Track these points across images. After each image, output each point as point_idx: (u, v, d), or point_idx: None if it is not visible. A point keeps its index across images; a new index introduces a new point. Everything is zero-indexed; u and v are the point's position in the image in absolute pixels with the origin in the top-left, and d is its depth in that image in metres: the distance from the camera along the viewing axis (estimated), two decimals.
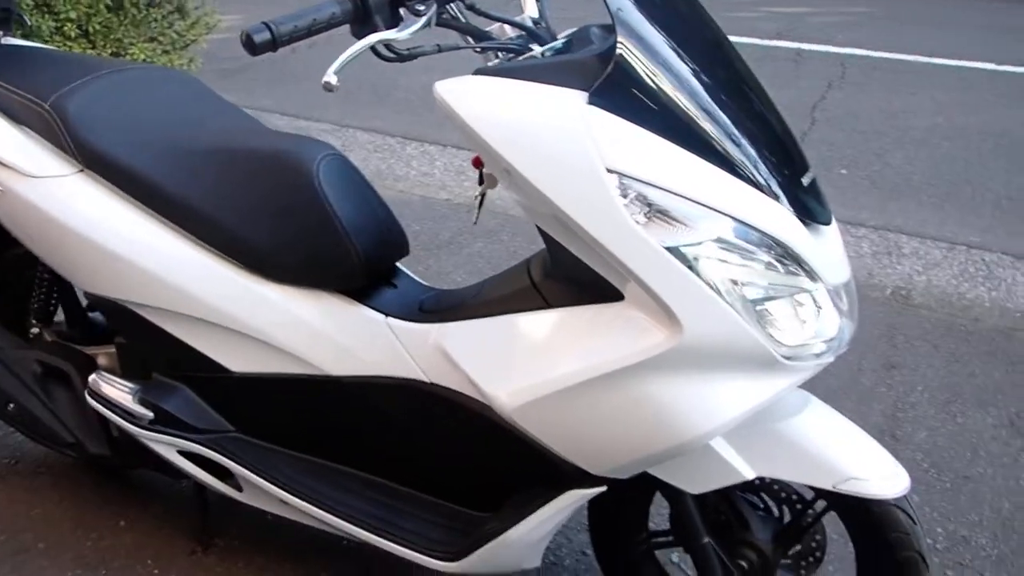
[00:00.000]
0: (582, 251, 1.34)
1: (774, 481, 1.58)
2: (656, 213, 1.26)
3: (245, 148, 1.70)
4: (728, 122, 1.32)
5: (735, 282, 1.28)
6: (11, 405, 1.90)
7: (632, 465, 1.41)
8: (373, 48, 1.34)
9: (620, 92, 1.26)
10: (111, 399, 1.76)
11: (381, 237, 1.67)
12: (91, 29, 4.31)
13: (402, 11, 1.37)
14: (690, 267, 1.26)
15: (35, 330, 2.00)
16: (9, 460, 2.25)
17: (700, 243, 1.26)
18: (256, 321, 1.65)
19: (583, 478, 1.45)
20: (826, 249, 1.36)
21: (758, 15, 6.80)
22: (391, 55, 1.35)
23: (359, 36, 1.34)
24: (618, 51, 1.25)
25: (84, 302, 2.01)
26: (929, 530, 2.06)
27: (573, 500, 1.48)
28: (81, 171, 1.70)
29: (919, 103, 5.08)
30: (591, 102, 1.26)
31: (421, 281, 1.74)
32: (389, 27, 1.34)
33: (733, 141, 1.31)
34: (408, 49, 1.35)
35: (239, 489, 1.78)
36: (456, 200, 3.90)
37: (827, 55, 5.87)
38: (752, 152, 1.32)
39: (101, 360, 1.91)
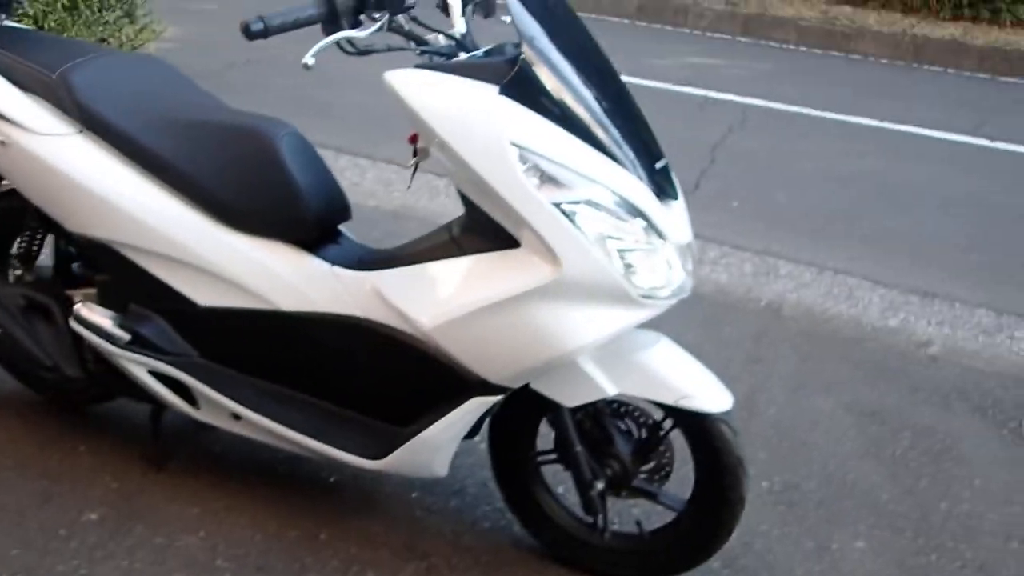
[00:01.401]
0: (491, 208, 1.75)
1: (633, 407, 2.00)
2: (546, 178, 1.68)
3: (219, 121, 2.07)
4: (604, 118, 1.76)
5: (603, 234, 1.71)
6: None
7: (521, 375, 1.82)
8: (338, 43, 1.75)
9: (523, 88, 1.69)
10: (94, 323, 2.09)
11: (329, 201, 2.06)
12: (46, 26, 4.60)
13: (362, 17, 1.78)
14: (570, 220, 1.68)
15: (17, 272, 2.31)
16: None
17: (578, 202, 1.69)
18: (222, 262, 2.01)
19: (484, 388, 1.85)
20: (673, 217, 1.80)
21: (672, 64, 7.38)
22: (351, 50, 1.75)
23: (328, 33, 1.75)
24: (522, 57, 1.68)
25: (59, 251, 2.34)
26: (767, 477, 2.50)
27: (475, 407, 1.87)
28: (81, 131, 2.05)
29: (809, 149, 5.65)
30: (501, 93, 1.68)
31: (359, 242, 2.13)
32: (352, 28, 1.75)
33: (607, 132, 1.75)
34: (365, 46, 1.76)
35: (196, 407, 2.12)
36: (383, 207, 4.27)
37: (731, 103, 6.42)
38: (621, 141, 1.76)
39: (77, 299, 2.23)
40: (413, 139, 1.87)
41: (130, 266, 2.06)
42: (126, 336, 2.06)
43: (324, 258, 2.02)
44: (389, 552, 2.12)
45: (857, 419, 2.83)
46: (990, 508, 2.47)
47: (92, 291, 2.21)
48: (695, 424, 1.90)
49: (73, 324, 2.13)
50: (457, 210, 1.89)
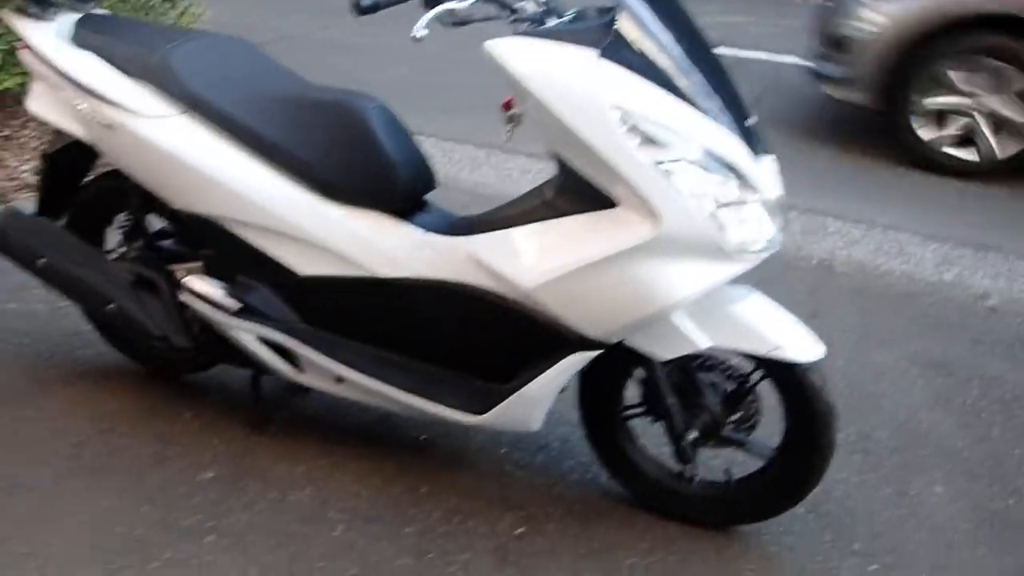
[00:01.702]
0: (588, 169, 1.83)
1: (720, 359, 2.09)
2: (646, 138, 1.76)
3: (312, 97, 2.17)
4: (698, 77, 1.84)
5: (700, 191, 1.79)
6: (111, 305, 2.32)
7: (620, 330, 1.91)
8: (438, 17, 1.83)
9: (620, 50, 1.77)
10: (205, 294, 2.20)
11: (417, 171, 2.16)
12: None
13: None
14: (669, 178, 1.77)
15: (121, 249, 2.43)
16: (82, 367, 2.67)
17: (676, 160, 1.77)
18: (321, 232, 2.11)
19: (582, 344, 1.94)
20: (765, 172, 1.88)
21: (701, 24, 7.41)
22: (449, 20, 1.84)
23: (430, 6, 1.83)
24: (618, 21, 1.76)
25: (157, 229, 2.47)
26: (841, 428, 2.57)
27: (575, 362, 1.97)
28: (184, 112, 2.15)
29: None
30: (601, 56, 1.76)
31: (447, 210, 2.22)
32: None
33: (701, 91, 1.83)
34: (464, 17, 1.84)
35: (300, 370, 2.23)
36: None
37: (763, 62, 6.43)
38: (714, 100, 1.84)
39: (179, 274, 2.35)
40: (507, 105, 1.95)
41: (235, 240, 2.17)
42: (236, 305, 2.18)
43: (417, 225, 2.12)
44: (486, 503, 2.24)
45: (923, 370, 2.90)
46: None
47: (192, 265, 2.33)
48: (786, 374, 1.98)
49: (183, 296, 2.24)
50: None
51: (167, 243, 2.44)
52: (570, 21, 1.91)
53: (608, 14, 1.84)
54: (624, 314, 1.87)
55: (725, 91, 1.90)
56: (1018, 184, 4.51)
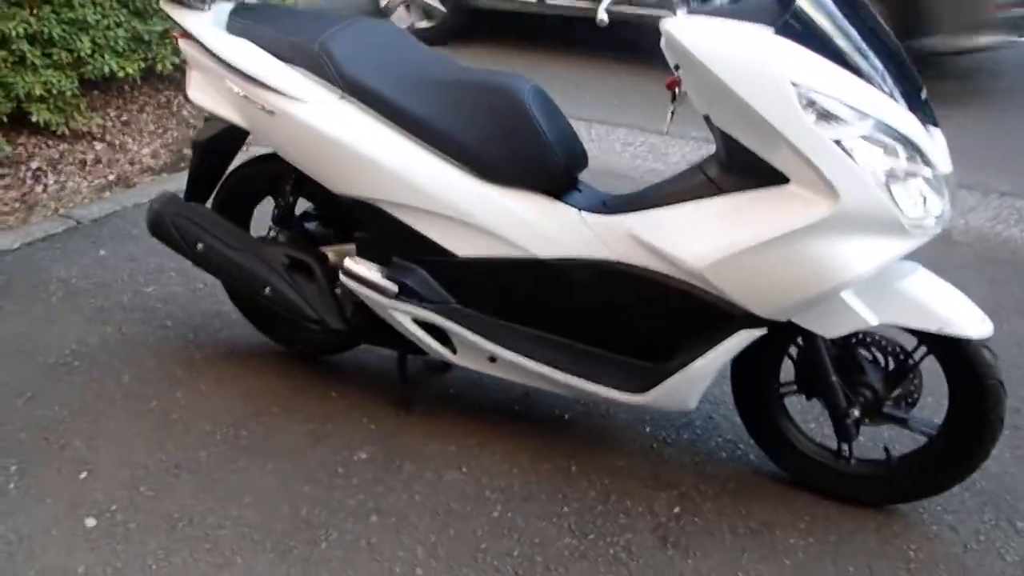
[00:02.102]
0: (761, 146, 1.81)
1: (880, 336, 2.06)
2: (824, 114, 1.73)
3: (467, 79, 2.17)
4: (871, 53, 1.80)
5: (878, 167, 1.75)
6: (268, 289, 2.36)
7: (792, 308, 1.89)
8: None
9: (797, 27, 1.74)
10: (364, 276, 2.23)
11: (572, 150, 2.15)
12: None
13: None
14: (847, 153, 1.74)
15: (273, 233, 2.47)
16: (226, 349, 2.73)
17: (854, 136, 1.74)
18: (479, 213, 2.12)
19: (750, 321, 1.93)
20: (937, 145, 1.83)
21: None
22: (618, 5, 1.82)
23: None
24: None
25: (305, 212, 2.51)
26: None
27: (742, 340, 1.95)
28: (343, 97, 2.17)
29: None
30: (777, 33, 1.73)
31: (598, 189, 2.21)
32: None
33: (874, 67, 1.79)
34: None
35: (454, 351, 2.25)
36: None
37: None
38: (888, 75, 1.80)
39: (332, 256, 2.39)
40: (671, 84, 1.94)
41: (393, 222, 2.19)
42: (394, 287, 2.20)
43: (572, 205, 2.11)
44: (639, 483, 2.25)
45: None
46: None
47: (344, 247, 2.36)
48: (954, 350, 1.95)
49: (343, 278, 2.27)
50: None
51: (315, 226, 2.48)
52: (734, 0, 1.88)
53: None
54: (797, 292, 1.85)
55: (897, 64, 1.85)
56: None
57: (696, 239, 1.92)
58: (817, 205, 1.78)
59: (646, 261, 2.01)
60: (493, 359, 2.22)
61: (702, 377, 2.03)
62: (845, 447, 2.16)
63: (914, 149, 1.78)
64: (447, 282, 2.22)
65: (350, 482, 2.23)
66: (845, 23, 1.80)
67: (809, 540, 2.10)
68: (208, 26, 2.29)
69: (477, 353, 2.23)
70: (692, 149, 4.36)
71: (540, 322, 2.18)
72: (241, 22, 2.29)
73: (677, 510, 2.17)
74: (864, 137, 1.75)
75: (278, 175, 2.41)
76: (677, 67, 1.90)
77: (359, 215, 2.24)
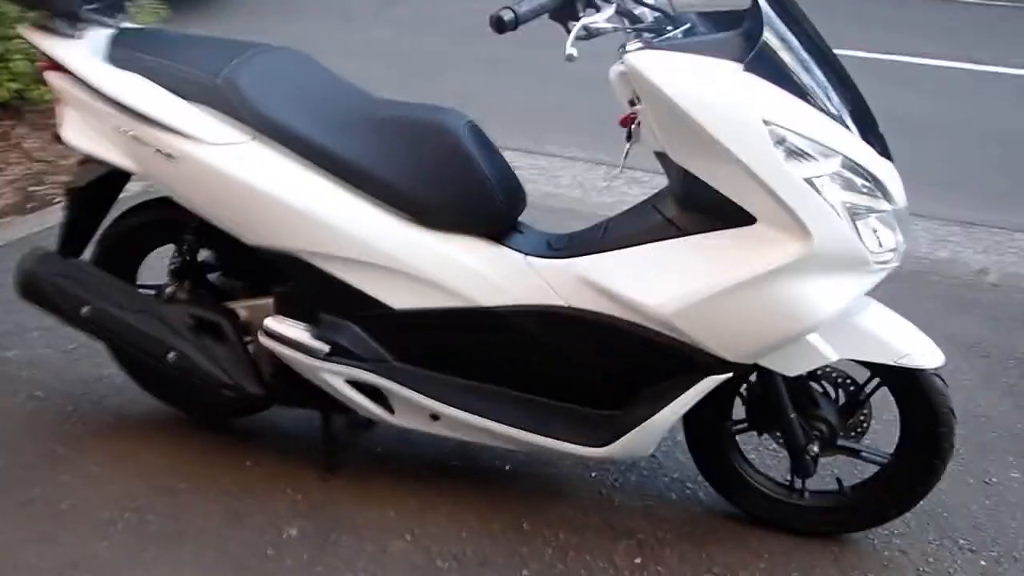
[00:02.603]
0: (726, 185, 1.74)
1: (831, 369, 2.04)
2: (793, 152, 1.69)
3: (397, 116, 2.01)
4: (832, 90, 1.77)
5: (846, 204, 1.73)
6: (171, 354, 2.10)
7: (760, 351, 1.84)
8: (568, 30, 1.71)
9: (764, 63, 1.69)
10: (289, 337, 2.02)
11: (512, 190, 2.03)
12: None
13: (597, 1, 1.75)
14: (817, 192, 1.70)
15: (170, 289, 2.21)
16: (115, 419, 2.43)
17: (823, 175, 1.70)
18: (417, 261, 1.96)
19: (717, 367, 1.86)
20: (894, 179, 1.83)
21: None
22: (584, 35, 1.71)
23: (559, 20, 1.71)
24: (764, 34, 1.68)
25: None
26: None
27: (707, 385, 1.88)
28: (255, 137, 1.96)
29: None
30: (745, 69, 1.67)
31: (538, 229, 2.10)
32: (585, 14, 1.71)
33: (836, 103, 1.76)
34: (595, 30, 1.72)
35: (391, 412, 2.08)
36: None
37: None
38: (848, 111, 1.77)
39: (243, 313, 2.16)
40: (625, 121, 1.85)
41: (318, 275, 1.99)
42: (324, 347, 2.00)
43: (515, 248, 1.99)
44: (594, 533, 2.14)
45: (963, 353, 2.93)
46: None
47: (256, 302, 2.14)
48: (909, 380, 1.95)
49: (263, 339, 2.05)
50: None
51: (220, 279, 2.24)
52: (687, 31, 1.81)
53: (741, 22, 1.75)
54: (769, 336, 1.80)
55: (850, 93, 1.83)
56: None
57: (660, 283, 1.83)
58: (788, 245, 1.73)
59: (601, 306, 1.91)
60: (436, 417, 2.06)
61: (666, 425, 1.95)
62: (799, 481, 2.13)
63: (876, 185, 1.77)
64: (382, 337, 2.04)
65: (283, 565, 2.00)
66: (804, 54, 1.76)
67: None
68: (85, 57, 2.03)
69: (418, 412, 2.06)
70: (583, 170, 4.34)
71: (487, 375, 2.04)
72: (125, 52, 2.04)
73: (639, 560, 2.07)
74: (833, 174, 1.72)
75: (174, 223, 2.16)
76: (632, 102, 1.81)
77: (278, 268, 2.03)
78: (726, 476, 2.16)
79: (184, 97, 1.98)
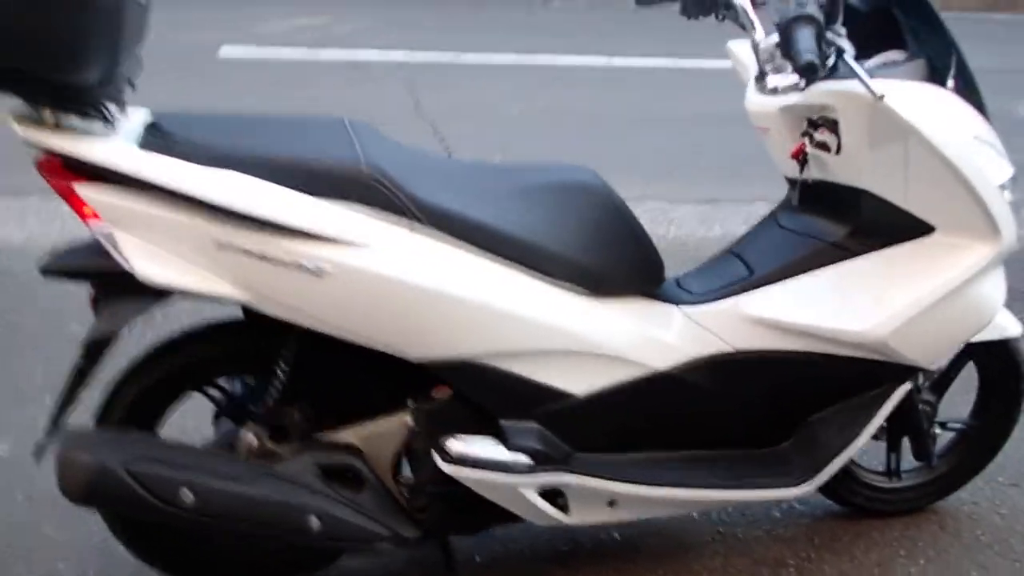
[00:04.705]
0: (914, 200, 1.77)
1: None
2: (991, 162, 1.77)
3: (539, 182, 1.75)
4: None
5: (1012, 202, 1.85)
6: (313, 519, 1.61)
7: (950, 352, 1.90)
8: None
9: (956, 83, 1.74)
10: (482, 458, 1.67)
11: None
12: None
13: None
14: (1005, 196, 1.80)
15: (249, 438, 1.69)
16: None
17: (1006, 180, 1.81)
18: (599, 336, 1.74)
19: (905, 375, 1.89)
20: None
21: (280, 27, 7.09)
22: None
23: None
24: (954, 54, 1.74)
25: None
26: None
27: (899, 395, 1.91)
28: (414, 230, 1.58)
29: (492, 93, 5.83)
30: (952, 90, 1.72)
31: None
32: None
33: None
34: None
35: (568, 512, 1.81)
36: None
37: (385, 64, 6.31)
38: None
39: (353, 440, 1.74)
40: (796, 153, 1.80)
41: (495, 376, 1.67)
42: (525, 459, 1.68)
43: (668, 301, 1.85)
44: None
45: None
46: None
47: (374, 428, 1.74)
48: (997, 351, 2.12)
49: (448, 468, 1.66)
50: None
51: (298, 412, 1.76)
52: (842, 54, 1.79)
53: (915, 49, 1.78)
54: (960, 336, 1.88)
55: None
56: None
57: (857, 307, 1.81)
58: (979, 248, 1.80)
59: (769, 343, 1.85)
60: (612, 503, 1.84)
61: (861, 445, 1.94)
62: (894, 466, 2.24)
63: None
64: (564, 430, 1.77)
65: None
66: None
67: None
68: (152, 158, 1.48)
69: (595, 503, 1.82)
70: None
71: (667, 442, 1.87)
72: (191, 147, 1.52)
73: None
74: (1011, 178, 1.83)
75: (252, 354, 1.67)
76: (807, 133, 1.77)
77: (452, 378, 1.66)
78: (834, 476, 2.20)
79: (311, 194, 1.53)
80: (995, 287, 1.89)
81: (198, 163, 1.49)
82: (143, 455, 1.56)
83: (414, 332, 1.61)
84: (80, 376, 1.60)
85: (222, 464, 1.63)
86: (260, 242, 1.50)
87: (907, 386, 1.94)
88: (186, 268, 1.51)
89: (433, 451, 1.69)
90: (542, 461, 1.73)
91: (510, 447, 1.71)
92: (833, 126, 1.75)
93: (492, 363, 1.67)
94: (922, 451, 2.19)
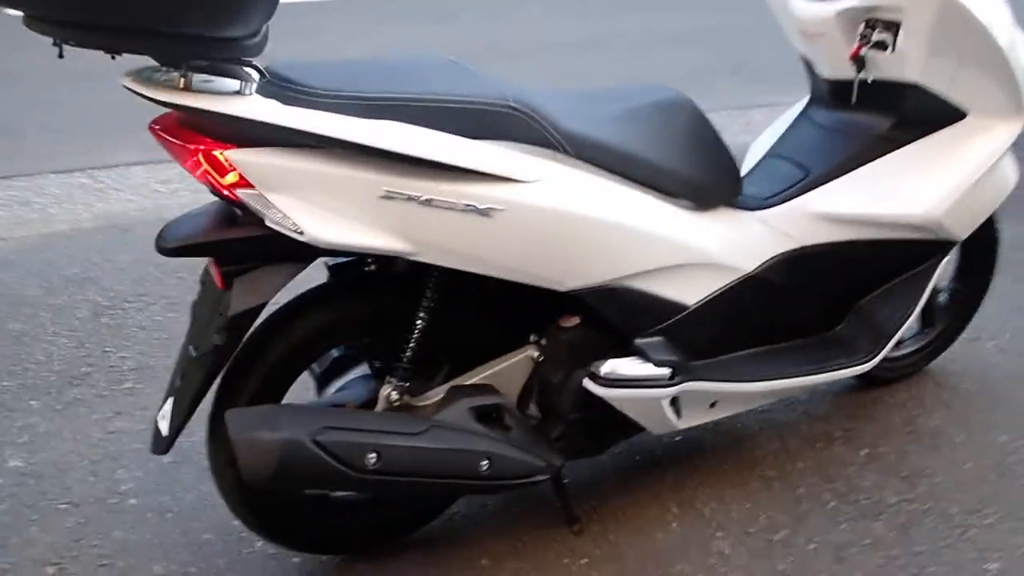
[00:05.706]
0: (955, 86, 1.94)
1: None
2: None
3: (642, 104, 1.79)
4: None
5: None
6: (483, 463, 1.61)
7: (977, 225, 2.11)
8: None
9: None
10: (638, 375, 1.74)
11: None
12: None
13: None
14: None
15: (389, 392, 1.67)
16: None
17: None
18: (705, 247, 1.84)
19: (947, 248, 2.10)
20: None
21: None
22: None
23: None
24: None
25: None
26: None
27: (943, 267, 2.12)
28: (564, 162, 1.60)
29: None
30: None
31: None
32: None
33: None
34: None
35: (680, 415, 1.91)
36: None
37: None
38: None
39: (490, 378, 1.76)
40: (855, 54, 1.91)
41: (631, 296, 1.72)
42: (666, 372, 1.76)
43: (744, 208, 1.96)
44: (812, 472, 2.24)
45: None
46: None
47: (499, 367, 1.78)
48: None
49: (601, 391, 1.70)
50: None
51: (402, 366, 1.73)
52: None
53: None
54: (989, 209, 2.10)
55: None
56: None
57: (912, 193, 1.98)
58: (1007, 126, 2.00)
59: (834, 235, 2.00)
60: (713, 404, 1.95)
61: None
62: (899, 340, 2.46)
63: None
64: (680, 341, 1.85)
65: None
66: None
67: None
68: (304, 114, 1.38)
69: (700, 406, 1.94)
70: None
71: (753, 340, 2.00)
72: (326, 99, 1.43)
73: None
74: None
75: (395, 309, 1.65)
76: (864, 35, 1.89)
77: (557, 311, 1.75)
78: None
79: (469, 136, 1.49)
80: (1012, 162, 2.11)
81: (348, 114, 1.41)
82: (323, 425, 1.50)
83: (577, 261, 1.64)
84: (221, 357, 1.51)
85: (395, 423, 1.59)
86: (428, 188, 1.46)
87: (947, 258, 2.14)
88: (348, 225, 1.44)
89: (583, 377, 1.73)
90: (679, 371, 1.81)
91: (654, 363, 1.77)
92: (890, 26, 1.87)
93: (630, 284, 1.73)
94: (930, 316, 2.43)
